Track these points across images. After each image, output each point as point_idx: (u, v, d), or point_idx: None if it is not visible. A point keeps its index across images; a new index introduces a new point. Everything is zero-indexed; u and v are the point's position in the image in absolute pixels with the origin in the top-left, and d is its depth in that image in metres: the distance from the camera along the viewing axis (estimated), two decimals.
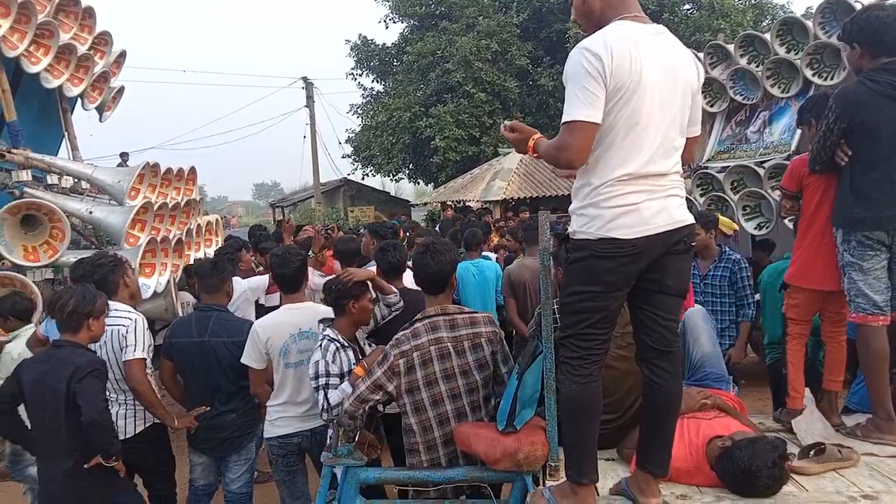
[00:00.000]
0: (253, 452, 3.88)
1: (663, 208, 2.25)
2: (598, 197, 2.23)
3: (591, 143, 2.18)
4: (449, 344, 2.93)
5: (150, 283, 5.39)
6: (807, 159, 3.23)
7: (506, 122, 2.54)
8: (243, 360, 3.48)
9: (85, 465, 2.96)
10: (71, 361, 2.99)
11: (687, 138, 2.40)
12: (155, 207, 5.93)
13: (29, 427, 3.15)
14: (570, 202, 2.38)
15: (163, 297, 5.62)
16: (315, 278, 4.82)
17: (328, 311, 3.54)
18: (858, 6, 6.76)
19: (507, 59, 20.29)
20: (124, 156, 10.28)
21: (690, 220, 2.35)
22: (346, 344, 3.21)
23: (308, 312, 3.53)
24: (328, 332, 3.23)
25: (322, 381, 3.04)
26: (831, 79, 6.80)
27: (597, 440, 2.41)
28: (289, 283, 3.60)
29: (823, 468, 2.65)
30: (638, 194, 2.22)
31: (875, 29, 2.87)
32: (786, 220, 6.46)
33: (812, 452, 2.73)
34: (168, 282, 5.66)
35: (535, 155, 2.41)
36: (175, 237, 6.18)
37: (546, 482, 2.65)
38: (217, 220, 8.21)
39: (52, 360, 3.05)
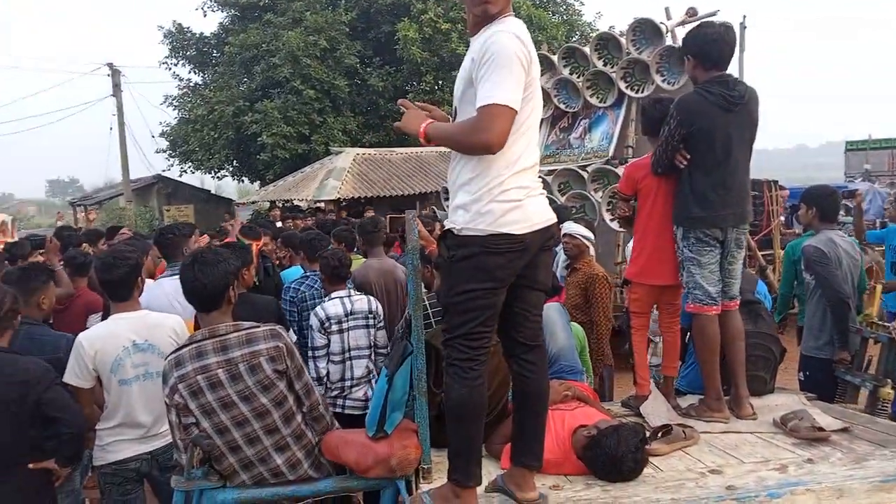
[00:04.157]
0: (77, 483, 3.39)
1: (541, 205, 2.33)
2: (495, 191, 2.21)
3: (509, 130, 2.14)
4: (219, 371, 2.51)
5: None
6: (640, 164, 3.49)
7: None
8: (66, 378, 3.01)
9: (31, 465, 2.92)
10: (13, 368, 2.87)
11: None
12: None
13: None
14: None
15: None
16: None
17: (164, 320, 3.21)
18: (663, 27, 7.55)
19: (335, 58, 19.91)
20: None
21: (555, 218, 2.45)
22: None
23: (143, 322, 3.16)
24: None
25: None
26: (642, 91, 7.52)
27: (482, 441, 2.39)
28: (117, 290, 3.18)
29: (671, 448, 2.87)
30: (522, 189, 2.25)
31: (705, 44, 3.17)
32: (610, 222, 7.07)
33: (660, 434, 2.94)
34: None
35: (425, 141, 2.29)
36: None
37: (420, 486, 2.58)
38: (12, 219, 7.17)
39: None
